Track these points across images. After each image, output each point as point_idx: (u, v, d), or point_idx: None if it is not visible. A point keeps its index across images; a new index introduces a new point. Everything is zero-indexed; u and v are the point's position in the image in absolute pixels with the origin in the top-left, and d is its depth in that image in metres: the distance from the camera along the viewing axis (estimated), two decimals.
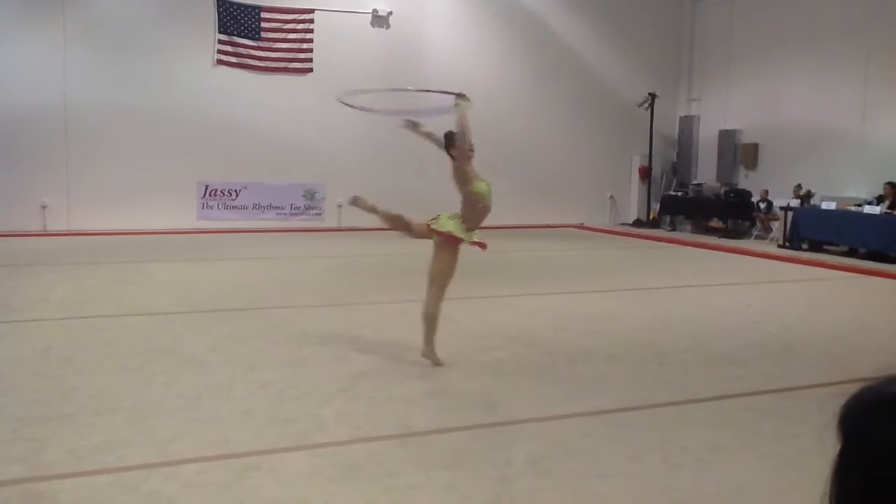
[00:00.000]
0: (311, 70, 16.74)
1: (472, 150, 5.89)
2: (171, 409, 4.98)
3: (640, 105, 18.83)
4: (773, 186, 16.48)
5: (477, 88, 17.67)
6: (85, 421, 4.74)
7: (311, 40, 16.67)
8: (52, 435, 4.49)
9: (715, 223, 17.62)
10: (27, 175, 14.99)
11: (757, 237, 16.48)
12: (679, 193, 18.84)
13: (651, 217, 19.16)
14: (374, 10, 17.11)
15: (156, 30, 15.69)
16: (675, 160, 20.06)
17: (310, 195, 17.03)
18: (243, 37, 16.27)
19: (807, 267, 12.51)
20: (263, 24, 16.37)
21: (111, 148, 15.47)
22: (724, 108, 18.74)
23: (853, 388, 0.92)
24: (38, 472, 4.00)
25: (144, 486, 3.83)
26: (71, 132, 15.27)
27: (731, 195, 17.32)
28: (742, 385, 5.85)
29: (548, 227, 17.90)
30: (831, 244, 14.31)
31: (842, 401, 0.92)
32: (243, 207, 16.61)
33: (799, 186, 15.57)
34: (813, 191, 15.37)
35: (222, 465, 4.11)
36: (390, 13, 17.20)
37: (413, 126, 6.38)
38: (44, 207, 15.22)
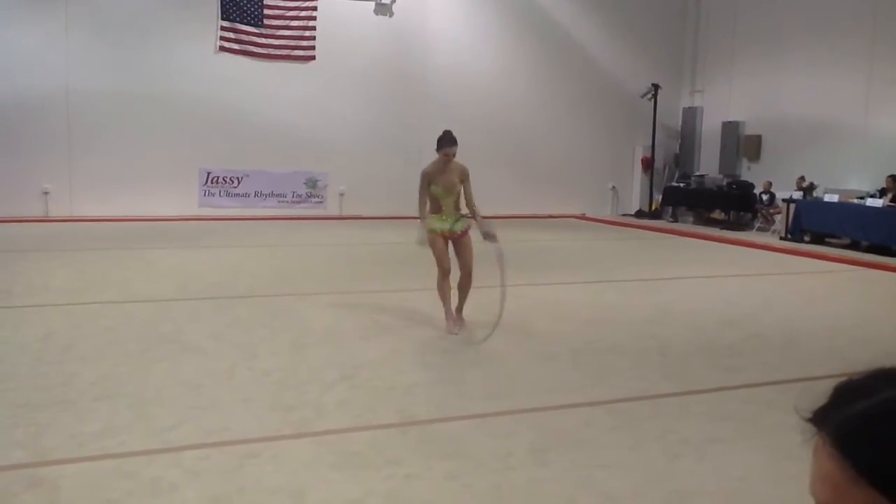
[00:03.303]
0: (313, 58, 16.69)
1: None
2: (173, 396, 4.99)
3: (644, 96, 18.79)
4: (776, 178, 16.45)
5: (479, 78, 17.82)
6: (86, 407, 4.75)
7: (313, 28, 16.61)
8: (53, 421, 4.49)
9: (717, 215, 17.60)
10: (29, 161, 14.98)
11: (759, 229, 16.46)
12: (681, 184, 18.81)
13: (653, 208, 19.14)
14: None
15: (158, 16, 15.65)
16: (677, 151, 20.02)
17: (311, 183, 17.01)
18: (246, 24, 16.22)
19: (808, 259, 12.49)
20: (266, 12, 16.31)
21: (113, 134, 15.45)
22: (727, 99, 18.70)
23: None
24: (40, 457, 4.00)
25: (146, 473, 3.84)
26: (73, 118, 15.25)
27: (734, 187, 17.30)
28: (743, 376, 5.85)
29: (549, 217, 17.89)
30: (833, 237, 14.29)
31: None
32: (245, 195, 16.59)
33: (802, 178, 15.55)
34: (816, 183, 15.35)
35: (223, 452, 4.12)
36: (394, 1, 17.13)
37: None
38: (46, 193, 15.22)
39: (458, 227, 6.81)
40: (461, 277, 6.94)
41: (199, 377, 5.41)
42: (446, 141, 6.76)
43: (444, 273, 6.90)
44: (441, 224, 6.80)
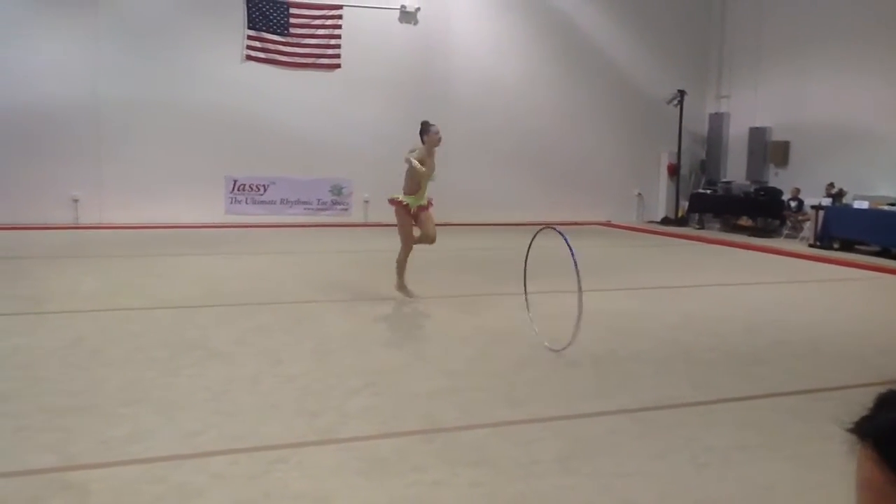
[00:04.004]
0: (339, 66, 16.81)
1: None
2: (199, 402, 5.03)
3: (669, 102, 18.70)
4: (804, 184, 16.31)
5: (503, 84, 17.83)
6: (114, 412, 4.80)
7: (339, 36, 16.73)
8: (81, 425, 4.55)
9: (744, 221, 17.46)
10: (59, 169, 15.20)
11: (787, 236, 16.31)
12: (708, 191, 18.69)
13: (679, 215, 19.02)
14: (403, 6, 17.14)
15: (186, 25, 15.84)
16: (704, 157, 19.90)
17: (337, 190, 17.10)
18: (272, 32, 16.37)
19: (837, 266, 12.35)
20: (292, 20, 16.45)
21: (141, 142, 15.64)
22: (753, 105, 18.55)
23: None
24: (68, 461, 4.05)
25: (173, 477, 3.88)
26: (102, 127, 15.46)
27: (761, 193, 17.15)
28: (769, 385, 5.80)
29: (574, 223, 17.81)
30: (863, 244, 14.13)
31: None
32: (271, 202, 16.73)
33: (831, 185, 15.39)
34: (845, 189, 15.18)
35: (250, 458, 4.15)
36: (418, 9, 17.21)
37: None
38: (75, 201, 15.43)
39: (423, 201, 8.26)
40: (427, 244, 8.28)
41: (225, 383, 5.45)
42: (430, 125, 8.14)
43: (407, 250, 8.28)
44: (414, 201, 8.17)
